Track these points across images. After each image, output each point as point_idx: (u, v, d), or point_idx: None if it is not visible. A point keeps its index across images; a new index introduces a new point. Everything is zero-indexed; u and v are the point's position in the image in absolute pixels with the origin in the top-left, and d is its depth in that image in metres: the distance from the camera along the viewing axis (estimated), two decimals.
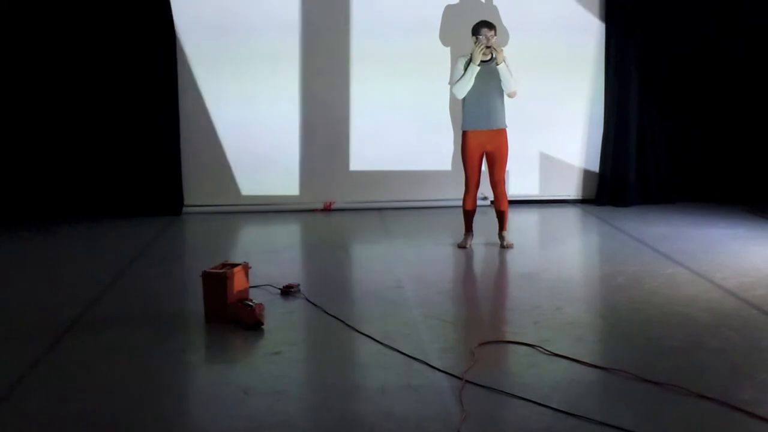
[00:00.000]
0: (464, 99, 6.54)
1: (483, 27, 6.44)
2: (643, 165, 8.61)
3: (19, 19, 7.97)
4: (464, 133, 6.60)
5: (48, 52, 8.04)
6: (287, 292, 5.38)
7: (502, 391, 3.75)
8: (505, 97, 6.54)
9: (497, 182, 6.67)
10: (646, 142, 8.58)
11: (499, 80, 6.45)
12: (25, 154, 8.16)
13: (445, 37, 8.28)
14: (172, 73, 8.18)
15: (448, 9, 8.32)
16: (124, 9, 8.04)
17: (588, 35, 8.53)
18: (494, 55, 6.42)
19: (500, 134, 6.55)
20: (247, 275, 5.10)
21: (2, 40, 7.98)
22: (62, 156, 8.18)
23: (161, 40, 8.09)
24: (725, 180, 8.57)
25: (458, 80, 6.44)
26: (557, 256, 6.56)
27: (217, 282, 4.85)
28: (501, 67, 6.42)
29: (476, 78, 6.42)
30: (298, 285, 5.44)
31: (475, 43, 6.41)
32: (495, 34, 6.44)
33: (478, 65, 6.39)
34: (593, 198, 8.71)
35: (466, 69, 6.43)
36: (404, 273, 5.97)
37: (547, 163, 8.63)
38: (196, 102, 8.33)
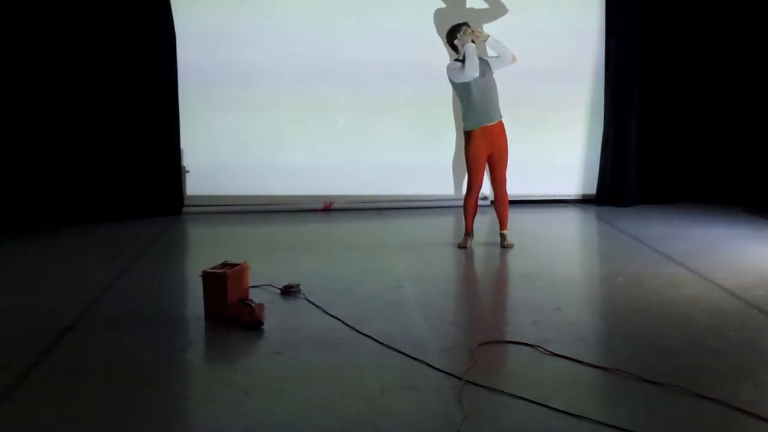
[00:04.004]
0: (464, 100, 6.57)
1: (464, 26, 6.61)
2: (643, 165, 8.61)
3: (19, 20, 7.97)
4: (470, 134, 6.61)
5: (48, 53, 8.04)
6: (287, 292, 5.37)
7: (502, 391, 3.75)
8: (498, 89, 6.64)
9: (499, 181, 6.69)
10: (646, 142, 8.58)
11: (492, 75, 6.57)
12: (25, 156, 8.15)
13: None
14: (172, 73, 8.18)
15: (442, 11, 8.32)
16: (124, 10, 8.04)
17: (588, 35, 8.53)
18: (480, 39, 6.63)
19: (501, 130, 6.64)
20: (247, 275, 5.10)
21: (2, 41, 7.98)
22: (63, 157, 8.18)
23: (161, 40, 8.09)
24: (725, 180, 8.57)
25: (463, 65, 6.47)
26: (557, 256, 6.56)
27: (217, 282, 4.85)
28: (490, 42, 6.62)
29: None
30: (298, 285, 5.44)
31: (460, 36, 6.56)
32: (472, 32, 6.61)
33: (472, 42, 6.52)
34: (593, 198, 8.71)
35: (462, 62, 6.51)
36: (404, 273, 5.97)
37: (547, 163, 8.62)
38: (196, 102, 8.32)
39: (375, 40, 8.33)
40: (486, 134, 6.57)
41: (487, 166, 6.73)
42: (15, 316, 5.02)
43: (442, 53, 7.96)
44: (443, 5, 8.36)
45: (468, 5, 8.36)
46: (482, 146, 6.58)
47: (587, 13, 8.52)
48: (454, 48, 6.69)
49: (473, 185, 6.69)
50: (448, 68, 6.63)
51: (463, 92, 6.60)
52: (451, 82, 6.65)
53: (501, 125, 6.63)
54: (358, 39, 8.34)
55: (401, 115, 8.50)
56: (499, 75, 6.70)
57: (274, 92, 8.41)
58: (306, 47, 8.37)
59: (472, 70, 6.47)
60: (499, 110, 6.61)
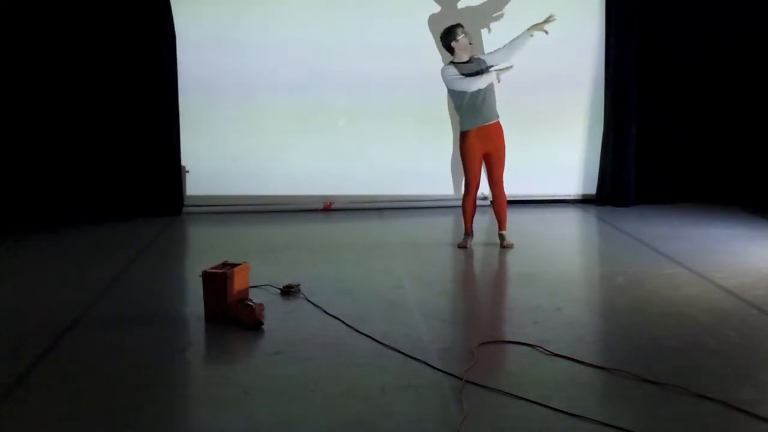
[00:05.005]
0: (458, 102, 6.57)
1: (458, 28, 6.58)
2: (643, 165, 8.61)
3: (19, 21, 7.97)
4: (465, 134, 6.61)
5: (49, 54, 8.04)
6: (287, 292, 5.38)
7: (502, 391, 3.75)
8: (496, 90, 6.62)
9: (496, 182, 6.68)
10: (646, 142, 8.58)
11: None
12: (25, 156, 8.15)
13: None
14: (172, 73, 8.18)
15: (439, 16, 8.32)
16: (124, 12, 8.04)
17: (588, 36, 8.53)
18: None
19: (498, 130, 6.60)
20: (247, 275, 5.10)
21: (2, 41, 7.98)
22: (63, 157, 8.18)
23: (161, 40, 8.09)
24: (725, 180, 8.57)
25: (472, 80, 6.43)
26: (557, 256, 6.56)
27: (217, 282, 4.85)
28: (525, 36, 6.52)
29: (469, 77, 6.47)
30: (298, 285, 5.45)
31: (456, 40, 6.53)
32: (466, 33, 6.59)
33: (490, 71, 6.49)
34: (593, 198, 8.71)
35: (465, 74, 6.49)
36: (404, 273, 5.97)
37: (547, 163, 8.63)
38: (197, 102, 8.32)
39: (375, 44, 8.33)
40: (481, 134, 6.56)
41: (485, 166, 6.74)
42: (15, 316, 5.02)
43: (439, 58, 7.99)
44: (438, 9, 8.35)
45: (466, 10, 8.36)
46: (477, 146, 6.57)
47: (587, 13, 8.51)
48: (449, 49, 6.65)
49: (470, 185, 6.69)
50: (444, 72, 6.56)
51: (457, 95, 6.60)
52: (446, 85, 6.64)
53: (498, 126, 6.61)
54: (360, 41, 8.34)
55: (401, 116, 8.49)
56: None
57: (274, 93, 8.42)
58: (307, 49, 8.37)
59: (470, 87, 6.44)
60: (495, 110, 6.59)
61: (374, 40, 8.35)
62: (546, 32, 6.53)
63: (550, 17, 6.51)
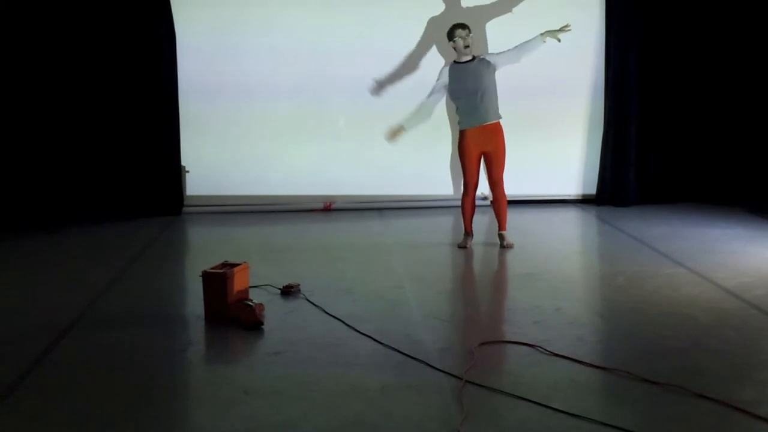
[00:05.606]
0: (458, 99, 6.58)
1: (457, 29, 6.57)
2: (643, 165, 8.62)
3: (19, 21, 7.98)
4: (462, 133, 6.62)
5: (49, 55, 8.06)
6: (287, 292, 5.38)
7: (502, 391, 3.75)
8: (497, 90, 6.61)
9: (496, 182, 6.68)
10: (646, 142, 8.58)
11: (489, 76, 6.52)
12: (25, 156, 8.17)
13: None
14: (172, 72, 8.19)
15: (435, 19, 8.33)
16: (124, 12, 8.05)
17: (588, 34, 8.52)
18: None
19: (497, 130, 6.59)
20: (247, 275, 5.10)
21: (2, 42, 7.98)
22: (63, 157, 8.20)
23: (161, 39, 8.10)
24: (725, 180, 8.57)
25: (443, 86, 6.60)
26: (557, 256, 6.56)
27: (217, 282, 4.85)
28: (537, 41, 6.55)
29: (466, 77, 6.51)
30: (298, 285, 5.45)
31: (452, 41, 6.54)
32: (470, 32, 6.56)
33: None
34: (593, 198, 8.71)
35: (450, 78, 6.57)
36: (404, 273, 5.97)
37: (547, 163, 8.63)
38: (197, 102, 8.33)
39: (375, 46, 8.34)
40: (479, 134, 6.55)
41: (484, 166, 6.74)
42: (15, 316, 5.02)
43: (438, 59, 8.00)
44: (437, 12, 8.34)
45: (465, 12, 8.36)
46: (473, 146, 6.57)
47: (587, 13, 8.50)
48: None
49: (468, 185, 6.69)
50: (440, 73, 6.64)
51: (450, 95, 6.64)
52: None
53: (496, 126, 6.59)
54: (359, 43, 8.34)
55: (400, 117, 8.46)
56: (500, 76, 6.69)
57: (274, 93, 8.42)
58: (307, 50, 8.37)
59: (433, 96, 6.64)
60: (496, 111, 6.57)
61: (373, 42, 8.35)
62: (559, 40, 6.53)
63: (566, 26, 6.50)
